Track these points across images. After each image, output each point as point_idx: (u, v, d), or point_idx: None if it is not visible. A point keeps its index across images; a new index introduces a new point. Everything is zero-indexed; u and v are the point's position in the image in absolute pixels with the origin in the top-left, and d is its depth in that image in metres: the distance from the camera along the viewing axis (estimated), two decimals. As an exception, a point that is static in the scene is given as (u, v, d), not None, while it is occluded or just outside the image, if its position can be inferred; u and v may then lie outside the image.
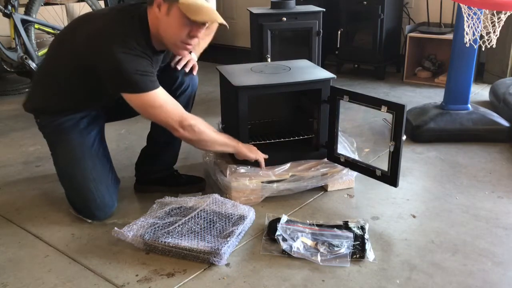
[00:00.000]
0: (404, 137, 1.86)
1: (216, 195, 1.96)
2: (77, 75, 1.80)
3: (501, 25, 2.22)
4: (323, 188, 2.13)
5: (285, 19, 2.89)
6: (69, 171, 1.90)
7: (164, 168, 2.16)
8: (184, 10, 1.66)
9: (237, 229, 1.75)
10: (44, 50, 3.65)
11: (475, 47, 2.51)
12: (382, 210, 1.98)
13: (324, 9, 2.98)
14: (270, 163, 2.05)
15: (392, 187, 1.98)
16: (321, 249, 1.68)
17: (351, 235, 1.75)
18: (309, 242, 1.72)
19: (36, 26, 3.57)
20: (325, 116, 2.09)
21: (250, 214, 1.87)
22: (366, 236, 1.76)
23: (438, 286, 1.53)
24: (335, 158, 2.11)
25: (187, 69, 2.01)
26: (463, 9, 2.32)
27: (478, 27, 2.27)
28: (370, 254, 1.67)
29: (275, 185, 2.01)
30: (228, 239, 1.69)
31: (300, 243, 1.70)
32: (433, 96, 3.44)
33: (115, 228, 1.73)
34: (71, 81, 1.83)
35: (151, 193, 2.08)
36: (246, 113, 2.00)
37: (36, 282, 1.58)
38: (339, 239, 1.72)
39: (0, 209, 2.03)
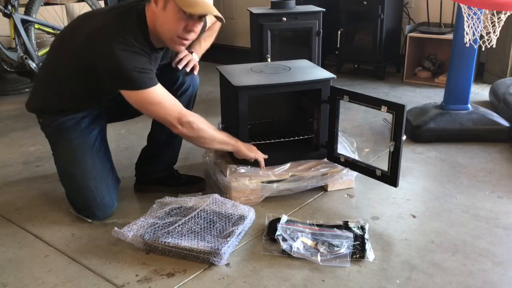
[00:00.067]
0: (404, 137, 1.86)
1: (216, 195, 1.96)
2: (77, 75, 1.80)
3: (501, 25, 2.22)
4: (323, 188, 2.13)
5: (285, 19, 2.89)
6: (70, 170, 1.91)
7: (164, 168, 2.16)
8: (179, 4, 1.66)
9: (237, 229, 1.75)
10: (44, 50, 3.65)
11: (475, 47, 2.51)
12: (382, 210, 1.98)
13: (324, 9, 2.98)
14: (270, 163, 2.05)
15: (392, 187, 1.98)
16: (321, 249, 1.68)
17: (351, 235, 1.75)
18: (309, 242, 1.72)
19: (36, 26, 3.57)
20: (325, 116, 2.09)
21: (250, 214, 1.87)
22: (366, 236, 1.76)
23: (438, 286, 1.53)
24: (335, 158, 2.11)
25: (187, 69, 2.01)
26: (463, 9, 2.32)
27: (478, 27, 2.27)
28: (370, 254, 1.67)
29: (275, 185, 2.01)
30: (228, 239, 1.69)
31: (300, 243, 1.70)
32: (433, 96, 3.44)
33: (115, 228, 1.73)
34: (71, 81, 1.83)
35: (151, 193, 2.08)
36: (246, 113, 2.00)
37: (36, 282, 1.58)
38: (339, 239, 1.72)
39: (0, 209, 2.03)
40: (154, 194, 2.03)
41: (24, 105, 1.97)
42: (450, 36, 3.39)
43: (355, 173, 2.12)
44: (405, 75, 3.88)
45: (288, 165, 2.08)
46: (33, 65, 3.48)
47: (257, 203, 2.02)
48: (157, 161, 2.14)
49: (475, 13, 2.25)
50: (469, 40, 2.33)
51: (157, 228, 1.74)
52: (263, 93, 2.14)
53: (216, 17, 1.74)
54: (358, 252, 1.68)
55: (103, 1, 4.06)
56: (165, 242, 1.67)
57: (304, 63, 2.32)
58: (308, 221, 1.85)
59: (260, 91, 2.08)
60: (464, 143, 2.62)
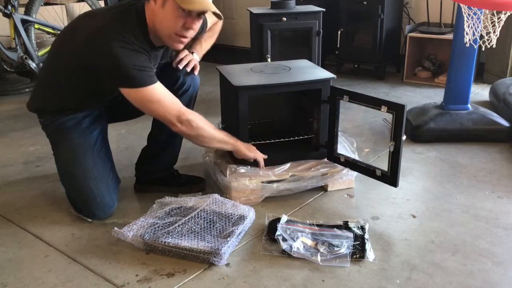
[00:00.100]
0: (404, 137, 1.86)
1: (216, 195, 1.96)
2: (77, 75, 1.80)
3: (501, 25, 2.22)
4: (323, 188, 2.13)
5: (285, 19, 2.89)
6: (70, 170, 1.91)
7: (164, 168, 2.16)
8: (178, 1, 1.66)
9: (237, 229, 1.75)
10: (44, 50, 3.65)
11: (475, 47, 2.51)
12: (382, 210, 1.98)
13: (324, 9, 2.98)
14: (270, 163, 2.05)
15: (392, 187, 1.98)
16: (321, 249, 1.68)
17: (351, 235, 1.75)
18: (309, 242, 1.72)
19: (36, 26, 3.57)
20: (325, 116, 2.09)
21: (250, 214, 1.87)
22: (366, 236, 1.76)
23: (438, 286, 1.53)
24: (335, 158, 2.11)
25: (188, 69, 2.01)
26: (463, 9, 2.32)
27: (478, 27, 2.27)
28: (370, 254, 1.67)
29: (275, 185, 2.01)
30: (228, 239, 1.69)
31: (300, 243, 1.70)
32: (433, 96, 3.44)
33: (115, 228, 1.73)
34: (71, 81, 1.83)
35: (151, 193, 2.08)
36: (246, 113, 2.00)
37: (36, 282, 1.58)
38: (339, 239, 1.72)
39: (0, 209, 2.03)
40: (154, 194, 2.03)
41: (24, 105, 1.97)
42: (450, 36, 3.39)
43: (355, 173, 2.12)
44: (405, 75, 3.88)
45: (288, 165, 2.08)
46: (33, 65, 3.48)
47: (257, 203, 2.02)
48: (157, 161, 2.14)
49: (475, 13, 2.25)
50: (469, 40, 2.33)
51: (157, 228, 1.74)
52: (263, 93, 2.14)
53: (215, 14, 1.74)
54: (358, 252, 1.67)
55: (103, 1, 4.06)
56: (165, 242, 1.67)
57: (304, 63, 2.32)
58: (308, 221, 1.85)
59: (260, 91, 2.08)
60: (464, 143, 2.62)
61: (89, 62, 1.71)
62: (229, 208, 1.88)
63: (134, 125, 2.76)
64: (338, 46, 3.92)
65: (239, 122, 2.01)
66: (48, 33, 3.69)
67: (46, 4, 3.79)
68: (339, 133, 2.11)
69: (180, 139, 2.13)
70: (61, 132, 1.91)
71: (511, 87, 3.01)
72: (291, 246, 1.69)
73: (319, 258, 1.64)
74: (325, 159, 2.14)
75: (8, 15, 3.40)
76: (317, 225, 1.83)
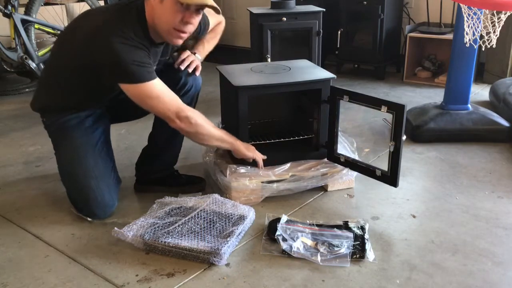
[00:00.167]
0: (404, 137, 1.86)
1: (216, 195, 1.96)
2: (76, 75, 1.81)
3: (501, 25, 2.22)
4: (323, 188, 2.13)
5: (285, 19, 2.89)
6: (72, 168, 1.91)
7: (164, 168, 2.16)
8: None
9: (237, 229, 1.75)
10: (44, 50, 3.65)
11: (475, 47, 2.51)
12: (382, 210, 1.98)
13: (324, 9, 2.98)
14: (270, 163, 2.05)
15: (392, 187, 1.98)
16: (321, 249, 1.68)
17: (351, 235, 1.75)
18: (309, 242, 1.72)
19: (36, 26, 3.57)
20: (325, 116, 2.09)
21: (250, 214, 1.87)
22: (366, 236, 1.76)
23: (438, 286, 1.53)
24: (335, 158, 2.11)
25: (190, 70, 2.01)
26: (463, 9, 2.32)
27: (478, 27, 2.27)
28: (370, 254, 1.67)
29: (275, 185, 2.01)
30: (228, 239, 1.69)
31: (300, 243, 1.70)
32: (433, 96, 3.44)
33: (115, 228, 1.73)
34: (71, 81, 1.84)
35: (151, 193, 2.08)
36: (246, 113, 2.00)
37: (36, 282, 1.58)
38: (339, 239, 1.72)
39: (0, 209, 2.03)
40: (154, 194, 2.03)
41: (24, 105, 1.98)
42: (450, 36, 3.39)
43: (355, 173, 2.12)
44: (405, 75, 3.88)
45: (288, 165, 2.08)
46: (33, 65, 3.47)
47: (257, 203, 2.02)
48: (157, 161, 2.14)
49: (475, 13, 2.25)
50: (469, 40, 2.33)
51: (157, 228, 1.74)
52: (263, 93, 2.14)
53: (212, 7, 1.73)
54: (358, 252, 1.67)
55: (102, 1, 4.06)
56: (165, 242, 1.67)
57: (304, 63, 2.32)
58: (308, 221, 1.85)
59: (260, 91, 2.08)
60: (464, 143, 2.62)
61: (89, 61, 1.72)
62: (229, 208, 1.88)
63: (134, 125, 2.76)
64: (338, 46, 3.93)
65: (239, 122, 2.01)
66: (48, 33, 3.69)
67: (46, 4, 3.79)
68: (339, 133, 2.11)
69: (180, 140, 2.13)
70: (63, 131, 1.91)
71: (511, 87, 3.01)
72: (291, 246, 1.69)
73: (319, 258, 1.64)
74: (325, 159, 2.14)
75: (8, 15, 3.39)
76: (317, 225, 1.83)
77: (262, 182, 2.00)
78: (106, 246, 1.76)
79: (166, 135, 2.06)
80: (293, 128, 2.29)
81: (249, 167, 2.03)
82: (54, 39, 3.74)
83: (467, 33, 2.32)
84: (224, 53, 4.23)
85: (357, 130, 2.84)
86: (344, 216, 1.93)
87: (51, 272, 1.63)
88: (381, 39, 3.79)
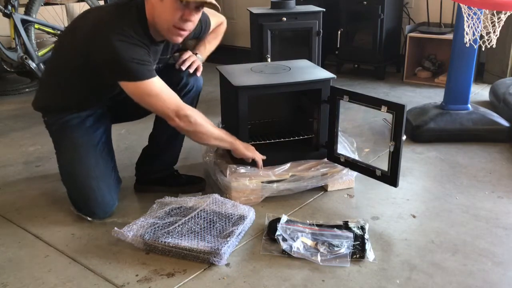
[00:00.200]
0: (404, 137, 1.86)
1: (216, 195, 1.96)
2: (77, 75, 1.81)
3: (501, 25, 2.22)
4: (323, 188, 2.13)
5: (285, 19, 2.89)
6: (72, 168, 1.91)
7: (164, 168, 2.16)
8: None
9: (237, 229, 1.75)
10: (44, 50, 3.65)
11: (475, 47, 2.51)
12: (382, 210, 1.98)
13: (324, 9, 2.98)
14: (270, 163, 2.05)
15: (392, 187, 1.98)
16: (321, 249, 1.68)
17: (351, 235, 1.75)
18: (309, 242, 1.72)
19: (36, 26, 3.57)
20: (325, 116, 2.09)
21: (250, 214, 1.87)
22: (366, 236, 1.76)
23: (438, 286, 1.53)
24: (335, 158, 2.11)
25: (191, 70, 2.01)
26: (463, 9, 2.32)
27: (478, 27, 2.27)
28: (370, 254, 1.67)
29: (275, 185, 2.01)
30: (228, 239, 1.69)
31: (300, 243, 1.70)
32: (433, 96, 3.44)
33: (115, 228, 1.73)
34: (71, 81, 1.84)
35: (151, 193, 2.08)
36: (246, 113, 2.00)
37: (36, 282, 1.58)
38: (339, 239, 1.72)
39: (0, 209, 2.03)
40: (154, 194, 2.03)
41: (24, 105, 1.98)
42: (450, 36, 3.39)
43: (355, 173, 2.12)
44: (405, 75, 3.88)
45: (288, 165, 2.08)
46: (33, 65, 3.47)
47: (257, 203, 2.02)
48: (158, 161, 2.14)
49: (475, 13, 2.25)
50: (469, 40, 2.33)
51: (157, 228, 1.74)
52: (263, 93, 2.14)
53: (211, 4, 1.73)
54: (358, 252, 1.67)
55: (102, 1, 4.06)
56: (165, 242, 1.67)
57: (304, 63, 2.32)
58: (308, 221, 1.85)
59: (260, 91, 2.08)
60: (464, 143, 2.62)
61: (89, 60, 1.72)
62: (229, 208, 1.88)
63: (134, 125, 2.76)
64: (338, 46, 3.92)
65: (239, 122, 2.01)
66: (48, 33, 3.69)
67: (46, 4, 3.79)
68: (339, 133, 2.11)
69: (181, 140, 2.13)
70: (64, 130, 1.91)
71: (511, 87, 3.01)
72: (291, 246, 1.69)
73: (319, 258, 1.64)
74: (325, 159, 2.14)
75: (8, 15, 3.39)
76: (317, 225, 1.83)
77: (262, 182, 2.00)
78: (106, 246, 1.76)
79: (167, 135, 2.06)
80: (293, 128, 2.29)
81: (249, 167, 2.03)
82: (54, 39, 3.74)
83: (467, 33, 2.32)
84: (224, 53, 4.23)
85: (357, 130, 2.84)
86: (344, 216, 1.93)
87: (51, 272, 1.63)
88: (381, 39, 3.79)
